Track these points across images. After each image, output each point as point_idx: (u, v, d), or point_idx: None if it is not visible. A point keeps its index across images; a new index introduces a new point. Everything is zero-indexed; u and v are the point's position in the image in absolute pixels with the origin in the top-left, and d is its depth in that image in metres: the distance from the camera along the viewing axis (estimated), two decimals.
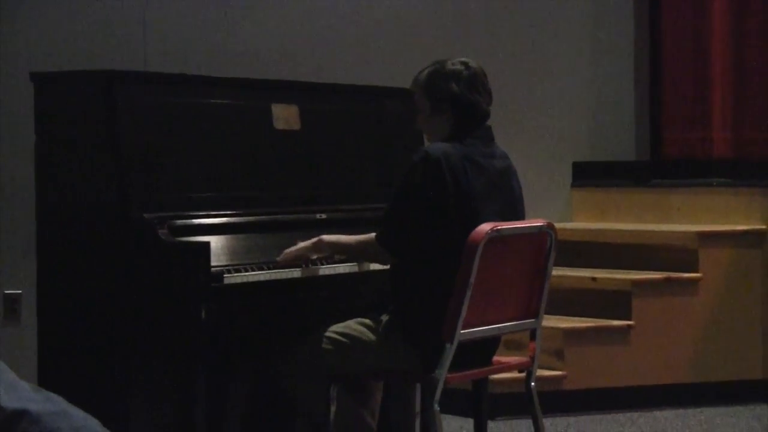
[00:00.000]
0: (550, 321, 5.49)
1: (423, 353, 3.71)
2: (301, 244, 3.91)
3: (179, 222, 3.81)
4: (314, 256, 3.92)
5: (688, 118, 6.92)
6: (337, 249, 3.94)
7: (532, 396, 3.93)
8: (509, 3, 6.59)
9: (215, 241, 3.78)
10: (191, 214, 3.87)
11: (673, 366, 5.86)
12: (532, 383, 3.93)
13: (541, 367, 4.49)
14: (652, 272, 5.97)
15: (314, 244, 3.90)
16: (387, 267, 3.89)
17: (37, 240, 4.05)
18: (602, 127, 6.91)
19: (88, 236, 3.90)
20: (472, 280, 3.55)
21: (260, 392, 4.13)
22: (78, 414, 2.59)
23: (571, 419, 5.53)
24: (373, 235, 3.81)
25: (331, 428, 3.91)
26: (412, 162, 3.72)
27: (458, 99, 3.80)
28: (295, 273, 3.87)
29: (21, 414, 2.53)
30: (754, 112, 6.77)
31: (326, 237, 3.91)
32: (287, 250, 3.90)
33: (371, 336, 3.82)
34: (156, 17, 5.46)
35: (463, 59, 3.86)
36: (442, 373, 3.59)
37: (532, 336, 3.95)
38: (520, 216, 3.89)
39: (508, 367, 3.98)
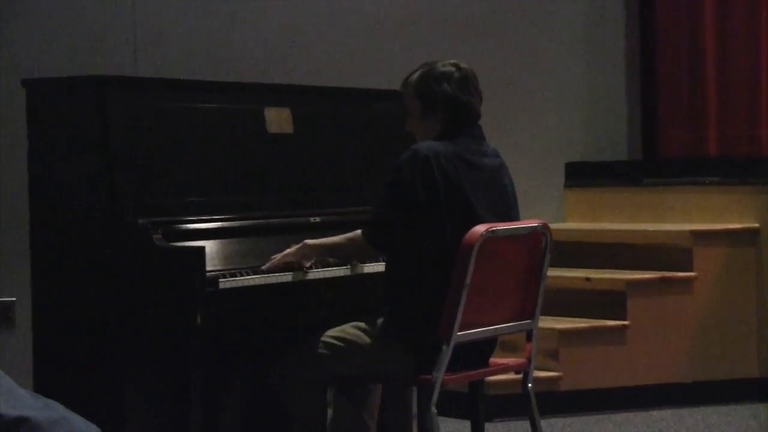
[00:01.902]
0: (545, 322, 5.48)
1: (419, 355, 3.70)
2: (286, 251, 3.88)
3: (173, 227, 3.80)
4: (306, 264, 3.89)
5: (680, 118, 6.93)
6: (324, 251, 3.91)
7: (529, 397, 3.92)
8: (501, 4, 6.59)
9: (210, 246, 3.77)
10: (185, 218, 3.87)
11: (669, 365, 5.86)
12: (529, 384, 3.92)
13: (537, 368, 4.48)
14: (646, 272, 5.96)
15: (299, 249, 3.87)
16: (382, 270, 3.88)
17: (30, 246, 4.04)
18: (595, 128, 6.92)
19: (82, 242, 3.89)
20: (467, 281, 3.55)
21: (256, 397, 4.12)
22: (77, 420, 2.59)
23: (568, 420, 5.53)
24: (359, 231, 3.80)
25: None
26: (400, 159, 3.70)
27: (451, 100, 3.78)
28: (287, 277, 3.86)
29: (21, 421, 2.53)
30: (744, 110, 6.77)
31: (310, 241, 3.89)
32: (273, 257, 3.87)
33: (367, 339, 3.81)
34: (146, 22, 5.45)
35: (452, 61, 3.85)
36: (439, 375, 3.58)
37: (528, 337, 3.94)
38: (513, 214, 3.87)
39: (505, 369, 3.98)
